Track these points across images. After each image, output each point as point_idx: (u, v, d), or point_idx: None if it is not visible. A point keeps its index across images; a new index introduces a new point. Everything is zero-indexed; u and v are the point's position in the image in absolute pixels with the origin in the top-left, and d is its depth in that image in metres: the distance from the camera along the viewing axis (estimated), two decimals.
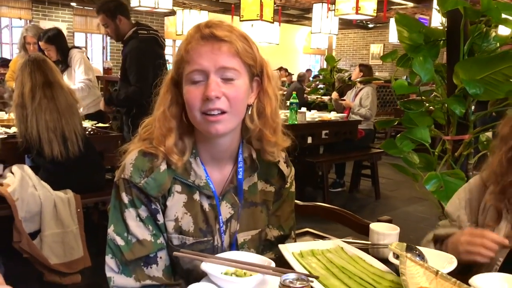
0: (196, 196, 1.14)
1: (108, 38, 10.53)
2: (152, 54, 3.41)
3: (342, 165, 5.61)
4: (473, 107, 2.48)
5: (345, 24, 12.28)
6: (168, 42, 11.98)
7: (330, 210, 1.78)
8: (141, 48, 3.42)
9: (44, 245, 2.61)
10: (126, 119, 3.60)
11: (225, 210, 1.17)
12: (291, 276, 0.82)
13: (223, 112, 1.04)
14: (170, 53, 12.53)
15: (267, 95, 1.13)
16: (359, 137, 5.32)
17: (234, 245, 1.17)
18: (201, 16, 9.73)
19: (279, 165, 1.24)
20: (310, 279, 0.83)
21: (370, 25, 14.08)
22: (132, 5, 5.03)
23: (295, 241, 1.31)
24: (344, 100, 5.83)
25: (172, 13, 8.15)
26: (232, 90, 1.04)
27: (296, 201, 1.87)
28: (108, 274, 1.09)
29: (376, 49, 14.37)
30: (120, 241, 1.09)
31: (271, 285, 0.96)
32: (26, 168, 2.70)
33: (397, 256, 0.95)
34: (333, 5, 6.37)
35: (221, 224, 1.15)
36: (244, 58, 1.06)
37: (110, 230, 1.10)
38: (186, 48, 1.05)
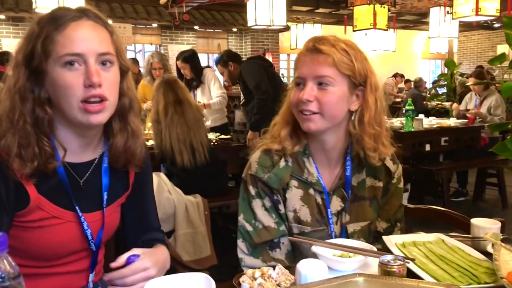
0: (311, 191, 1.31)
1: None
2: (260, 64, 4.13)
3: (464, 173, 5.35)
4: None
5: (467, 26, 11.62)
6: (282, 56, 12.38)
7: (440, 212, 1.81)
8: (249, 62, 4.22)
9: (177, 243, 2.94)
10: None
11: (336, 203, 1.32)
12: (389, 257, 0.94)
13: (314, 113, 1.22)
14: (284, 67, 12.91)
15: (367, 104, 1.25)
16: (482, 144, 5.05)
17: (343, 235, 1.32)
18: (315, 29, 9.91)
19: (385, 162, 1.36)
20: (407, 260, 0.94)
21: (496, 25, 13.10)
22: (249, 24, 5.37)
23: (402, 231, 1.41)
24: (468, 110, 5.57)
25: (286, 28, 8.46)
26: (324, 95, 1.22)
27: (407, 204, 1.93)
28: (240, 255, 1.30)
29: (504, 50, 13.32)
30: (249, 227, 1.29)
31: (372, 266, 1.08)
32: (162, 175, 3.08)
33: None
34: (451, 8, 6.14)
35: (330, 216, 1.31)
36: (341, 69, 1.21)
37: (240, 218, 1.31)
38: (297, 57, 1.29)
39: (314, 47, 1.22)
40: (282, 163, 1.29)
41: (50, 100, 1.06)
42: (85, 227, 1.13)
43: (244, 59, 4.39)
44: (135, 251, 1.09)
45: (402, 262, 0.92)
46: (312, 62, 1.22)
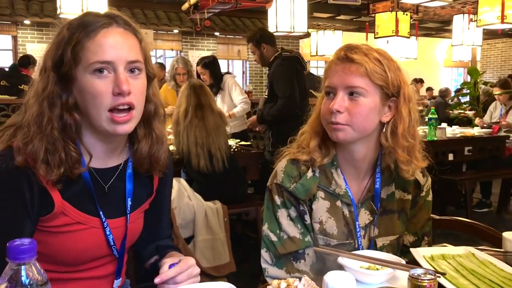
0: (338, 203, 1.27)
1: (247, 63, 11.25)
2: (294, 70, 3.84)
3: (488, 183, 5.24)
4: None
5: (491, 33, 11.46)
6: None
7: (467, 224, 1.76)
8: (284, 64, 3.83)
9: (196, 249, 2.94)
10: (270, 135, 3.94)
11: (364, 216, 1.29)
12: (419, 271, 0.91)
13: (343, 124, 1.18)
14: None
15: (401, 115, 1.20)
16: (507, 154, 4.94)
17: (371, 249, 1.28)
18: (335, 36, 9.88)
19: (415, 174, 1.31)
20: (437, 274, 0.91)
21: None
22: (270, 30, 5.37)
23: (429, 246, 1.37)
24: (498, 122, 5.47)
25: (307, 35, 8.45)
26: (355, 107, 1.18)
27: (432, 215, 1.89)
28: (263, 265, 1.27)
29: None
30: (273, 237, 1.26)
31: (401, 279, 1.05)
32: (182, 181, 3.08)
33: None
34: (475, 16, 6.05)
35: (358, 229, 1.27)
36: (373, 79, 1.17)
37: (265, 227, 1.28)
38: (327, 66, 1.25)
39: (346, 56, 1.18)
40: (309, 174, 1.26)
41: (77, 105, 1.06)
42: (107, 233, 1.13)
43: (280, 53, 3.95)
44: (171, 261, 1.09)
45: (433, 276, 0.89)
46: (344, 71, 1.18)
